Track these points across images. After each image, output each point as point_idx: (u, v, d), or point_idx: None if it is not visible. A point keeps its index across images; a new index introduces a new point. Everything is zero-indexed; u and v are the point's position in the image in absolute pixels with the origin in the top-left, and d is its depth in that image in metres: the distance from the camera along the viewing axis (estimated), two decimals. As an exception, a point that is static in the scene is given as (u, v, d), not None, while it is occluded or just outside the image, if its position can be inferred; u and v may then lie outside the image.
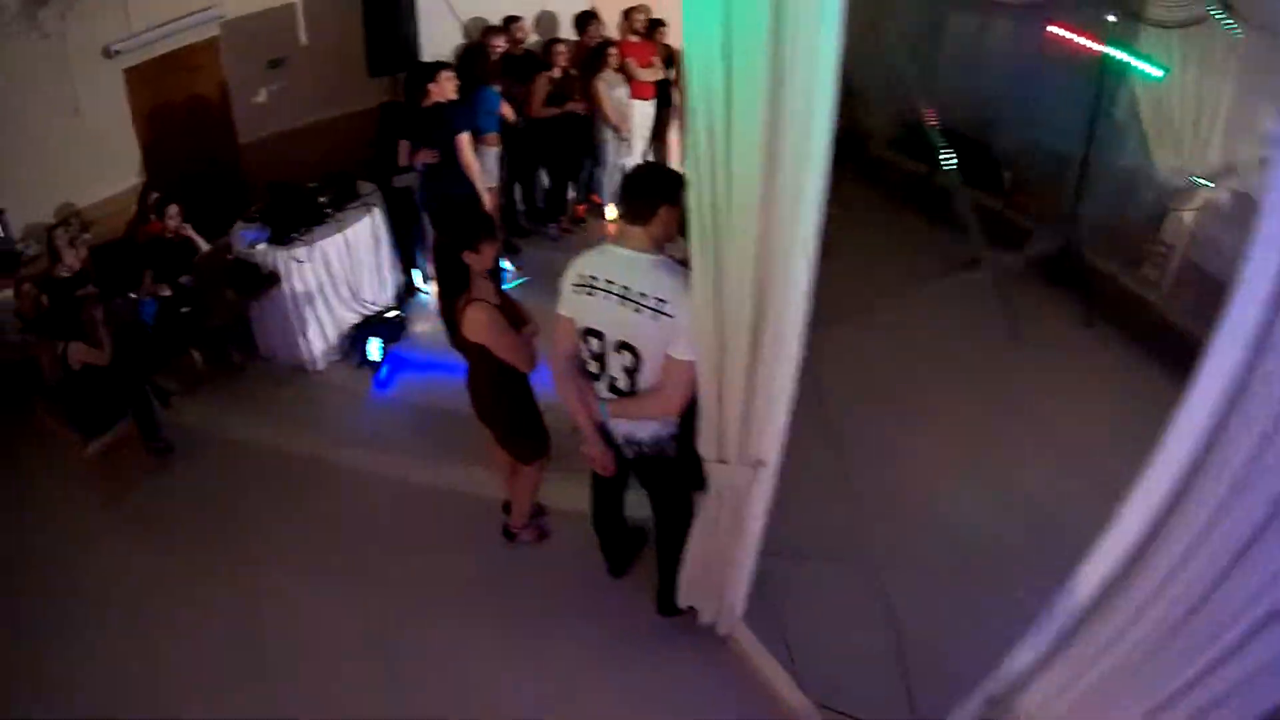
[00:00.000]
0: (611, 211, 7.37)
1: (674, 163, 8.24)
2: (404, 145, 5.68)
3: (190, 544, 4.56)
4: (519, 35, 6.70)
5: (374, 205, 5.96)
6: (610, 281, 2.77)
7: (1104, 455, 3.33)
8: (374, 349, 5.79)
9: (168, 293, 5.59)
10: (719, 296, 2.46)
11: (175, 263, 5.70)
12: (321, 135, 7.05)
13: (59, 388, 5.05)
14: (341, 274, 5.76)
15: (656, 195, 2.74)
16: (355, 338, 5.92)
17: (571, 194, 7.43)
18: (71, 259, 6.34)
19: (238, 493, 4.89)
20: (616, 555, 3.94)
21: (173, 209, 5.67)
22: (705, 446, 2.90)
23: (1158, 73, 5.22)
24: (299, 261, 5.54)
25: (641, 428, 3.03)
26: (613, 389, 2.96)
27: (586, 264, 2.87)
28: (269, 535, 4.57)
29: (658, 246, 2.80)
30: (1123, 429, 3.22)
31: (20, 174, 6.27)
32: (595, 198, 7.48)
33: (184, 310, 5.43)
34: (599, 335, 2.86)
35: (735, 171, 2.23)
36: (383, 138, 6.94)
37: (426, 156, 5.53)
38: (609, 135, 7.04)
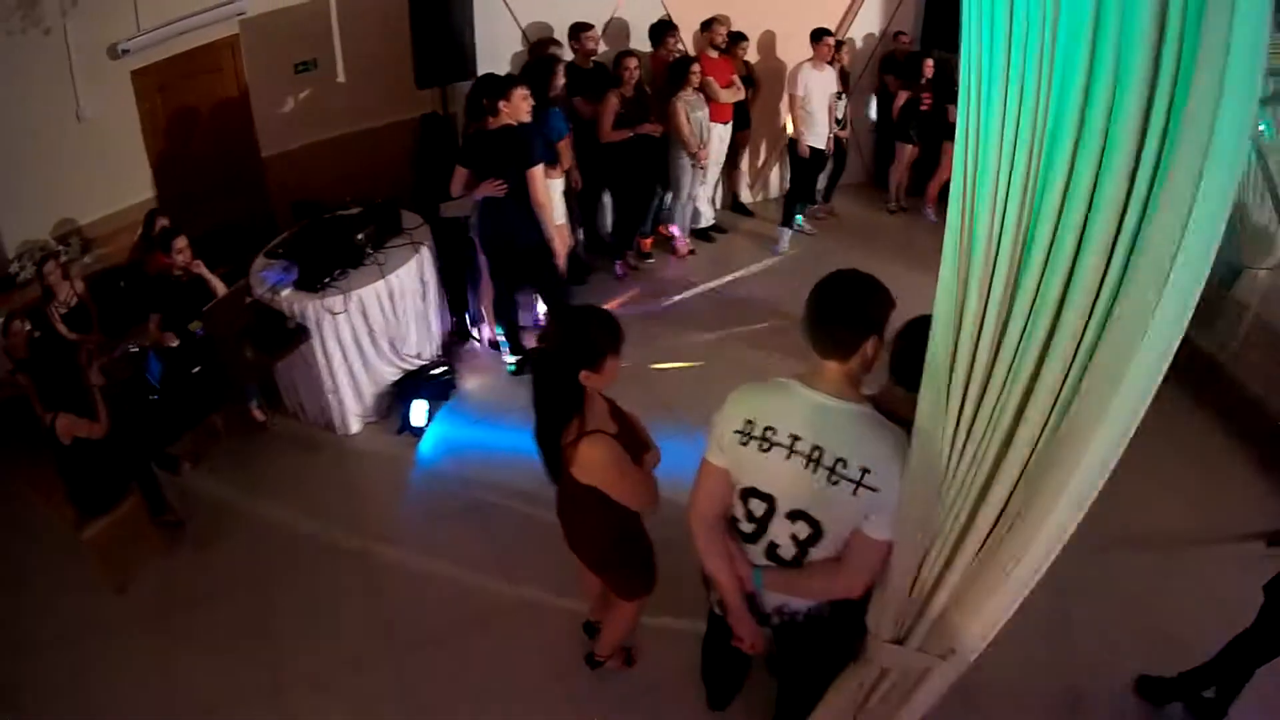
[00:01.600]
0: (682, 238, 6.53)
1: (743, 193, 7.39)
2: (461, 173, 4.68)
3: (205, 647, 3.77)
4: (589, 45, 5.77)
5: (422, 243, 5.04)
6: (795, 437, 2.08)
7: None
8: (418, 414, 4.87)
9: (175, 343, 4.71)
10: (959, 458, 1.81)
11: (185, 306, 4.80)
12: (355, 150, 6.13)
13: (54, 455, 4.21)
14: (382, 326, 4.84)
15: (866, 322, 2.06)
16: (396, 397, 5.00)
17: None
18: (66, 292, 5.44)
19: (259, 583, 4.09)
20: (722, 687, 3.32)
21: (180, 242, 4.72)
22: (877, 622, 2.23)
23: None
24: (333, 313, 4.64)
25: (800, 598, 2.40)
26: (772, 555, 2.30)
27: (757, 404, 2.18)
28: (298, 639, 3.76)
29: (855, 388, 2.12)
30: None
31: (15, 185, 5.38)
32: (664, 230, 6.59)
33: (195, 370, 4.54)
34: (767, 499, 2.20)
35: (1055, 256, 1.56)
36: (426, 157, 6.05)
37: (491, 190, 4.55)
38: (685, 161, 6.16)
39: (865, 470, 2.01)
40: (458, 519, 4.35)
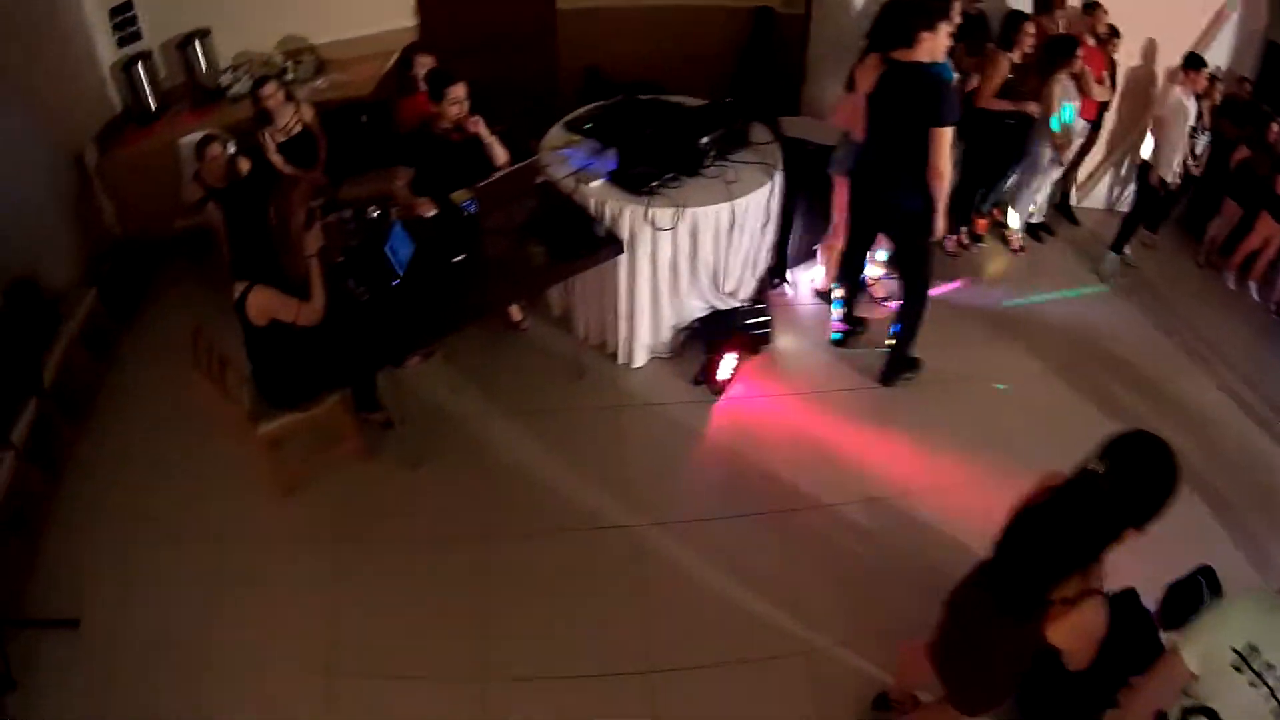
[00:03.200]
0: (1016, 232, 5.20)
1: (1073, 194, 6.16)
2: (852, 103, 3.30)
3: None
4: None
5: (774, 169, 3.56)
6: None
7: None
8: (726, 367, 3.52)
9: (431, 213, 3.37)
10: None
11: (450, 171, 3.46)
12: (668, 27, 4.71)
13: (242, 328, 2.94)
14: (710, 254, 3.44)
15: None
16: (698, 337, 3.67)
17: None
18: (289, 118, 4.20)
19: (461, 523, 3.17)
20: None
21: (457, 90, 3.37)
22: None
23: None
24: (657, 228, 3.22)
25: None
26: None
27: (1269, 628, 1.74)
28: (506, 629, 2.84)
29: None
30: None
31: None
32: (998, 214, 5.20)
33: (456, 259, 3.19)
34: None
35: None
36: (753, 58, 4.60)
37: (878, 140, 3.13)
38: (1046, 150, 4.69)
39: None
40: (752, 517, 3.15)
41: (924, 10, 3.02)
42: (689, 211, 3.24)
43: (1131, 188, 6.08)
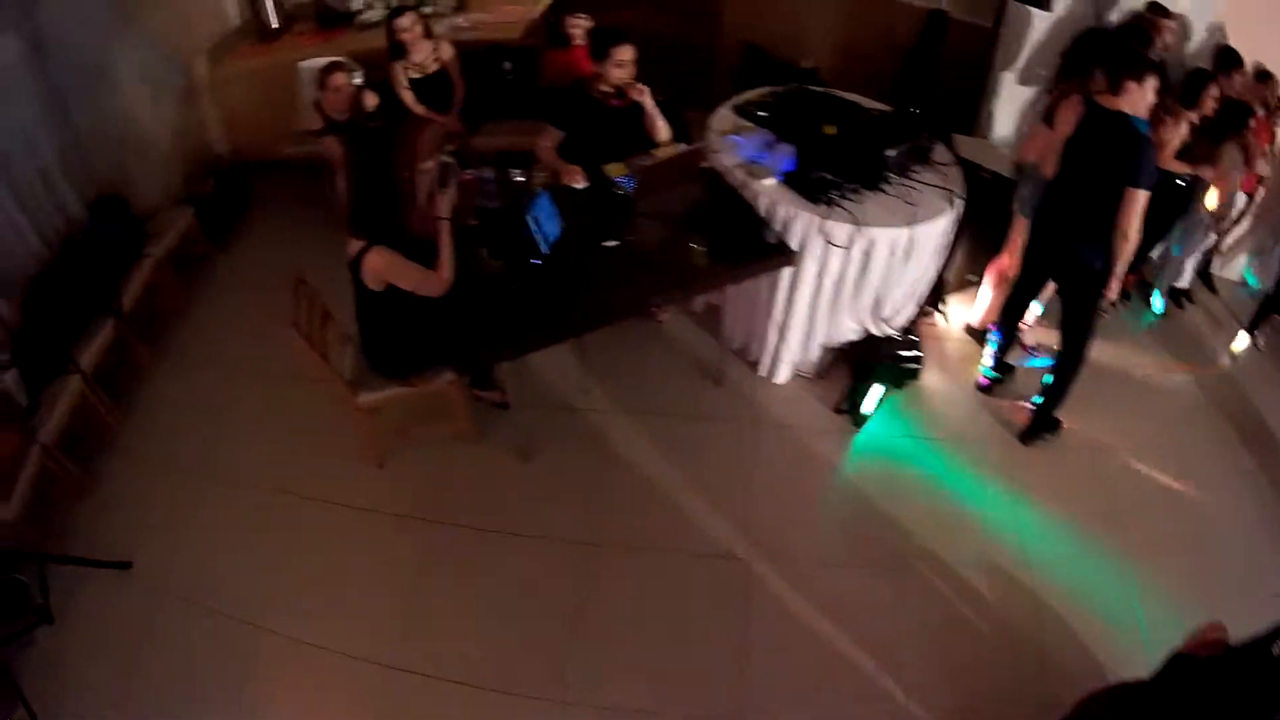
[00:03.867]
0: (1158, 303, 4.72)
1: (1214, 262, 5.65)
2: (1045, 137, 2.97)
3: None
4: (1167, 37, 3.79)
5: (955, 196, 3.17)
6: None
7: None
8: (872, 399, 3.19)
9: (581, 184, 3.03)
10: None
11: (607, 141, 3.12)
12: (835, 11, 4.30)
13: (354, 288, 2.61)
14: (880, 276, 3.07)
15: None
16: (845, 361, 3.34)
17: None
18: (425, 54, 3.84)
19: (569, 520, 2.90)
20: None
21: (624, 52, 2.98)
22: None
23: None
24: (831, 243, 2.87)
25: None
26: None
27: None
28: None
29: None
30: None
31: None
32: (1145, 273, 4.79)
33: (608, 244, 2.84)
34: None
35: None
36: (919, 63, 4.20)
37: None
38: (1206, 219, 4.26)
39: None
40: (870, 567, 2.82)
41: (1135, 61, 2.69)
42: (868, 231, 2.88)
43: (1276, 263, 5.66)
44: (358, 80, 3.85)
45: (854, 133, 3.06)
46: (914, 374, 3.40)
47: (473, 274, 2.62)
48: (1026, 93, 3.86)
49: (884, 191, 3.01)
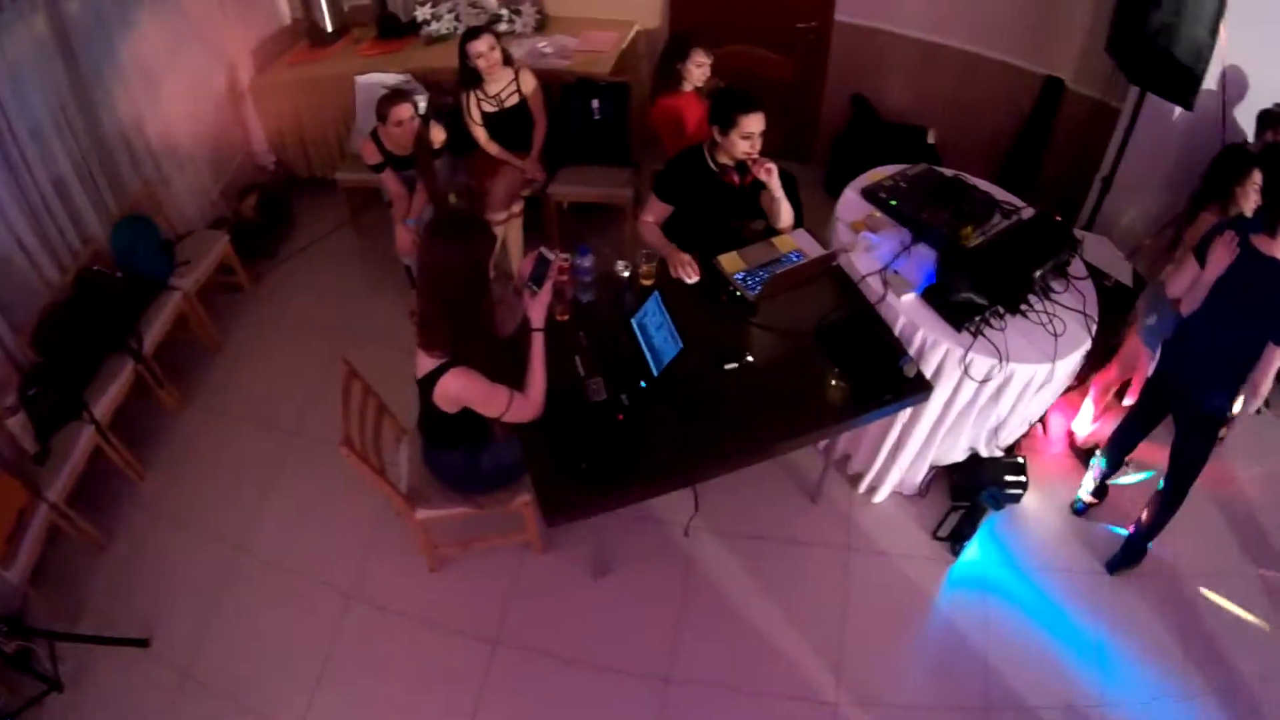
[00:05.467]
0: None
1: None
2: (1189, 274, 2.53)
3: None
4: None
5: (1093, 321, 2.79)
6: None
7: None
8: (971, 527, 2.86)
9: (693, 278, 2.59)
10: None
11: (720, 224, 2.71)
12: (941, 72, 3.83)
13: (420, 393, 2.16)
14: (1005, 408, 2.67)
15: None
16: (947, 480, 2.98)
17: None
18: (503, 85, 3.29)
19: (658, 664, 2.56)
20: None
21: (755, 121, 2.48)
22: None
23: None
24: (969, 376, 2.50)
25: None
26: None
27: None
28: None
29: None
30: None
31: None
32: None
33: (730, 366, 2.34)
34: None
35: None
36: (1032, 141, 3.82)
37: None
38: None
39: None
40: (957, 711, 2.50)
41: None
42: (1014, 367, 2.51)
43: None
44: (420, 103, 3.38)
45: (998, 245, 2.67)
46: (1016, 499, 3.08)
47: (564, 392, 2.20)
48: (1153, 192, 3.48)
49: (1024, 315, 2.64)
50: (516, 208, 3.29)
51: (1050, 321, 2.62)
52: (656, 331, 2.29)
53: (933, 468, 2.98)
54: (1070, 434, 3.38)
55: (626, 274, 2.45)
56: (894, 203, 2.80)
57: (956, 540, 2.91)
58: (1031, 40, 3.71)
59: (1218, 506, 3.23)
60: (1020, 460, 3.03)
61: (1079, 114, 3.77)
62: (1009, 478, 2.98)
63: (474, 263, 1.94)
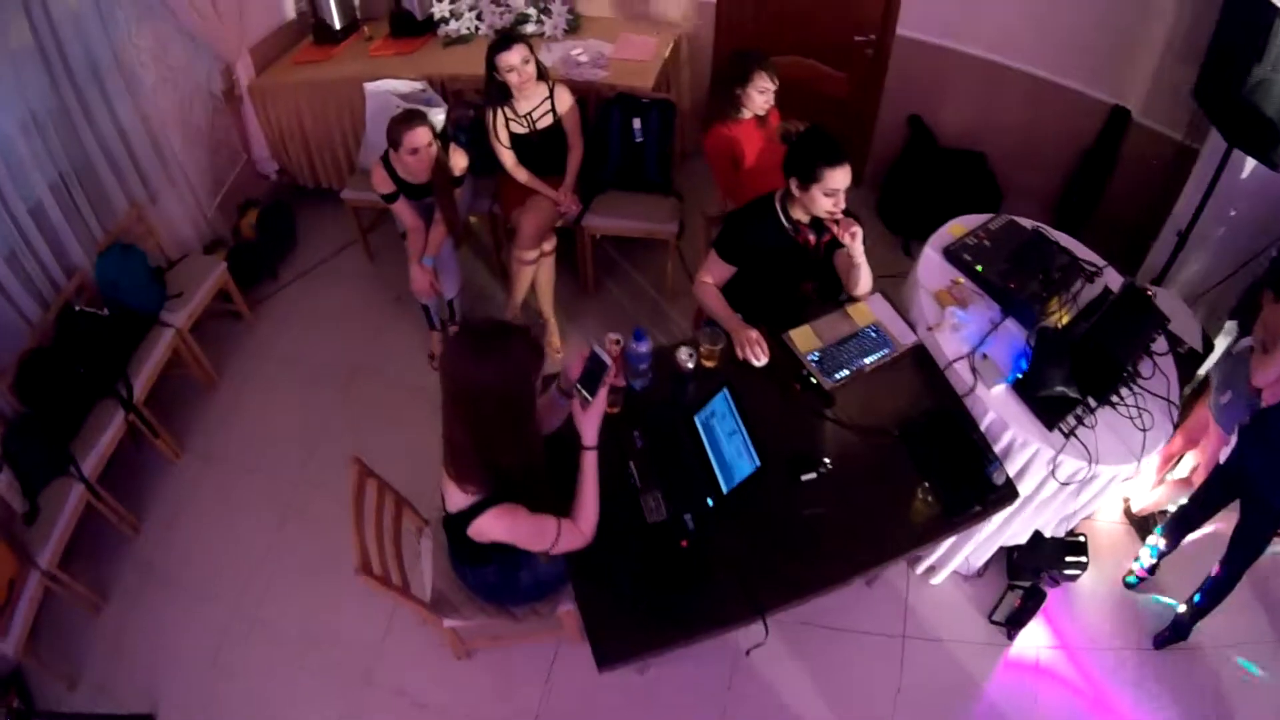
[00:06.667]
0: None
1: None
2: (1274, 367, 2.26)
3: None
4: None
5: (1174, 406, 2.55)
6: None
7: None
8: (1029, 611, 2.67)
9: (764, 360, 2.29)
10: None
11: (792, 292, 2.40)
12: (1000, 94, 3.45)
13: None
14: (1082, 503, 2.45)
15: None
16: (1010, 565, 2.77)
17: None
18: (535, 101, 2.85)
19: None
20: None
21: (840, 176, 2.11)
22: None
23: None
24: (1055, 478, 2.26)
25: None
26: None
27: None
28: None
29: None
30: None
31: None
32: None
33: (808, 476, 2.03)
34: None
35: None
36: (1092, 175, 3.53)
37: None
38: None
39: None
40: None
41: None
42: (1105, 469, 2.27)
43: None
44: (438, 117, 2.97)
45: (1091, 330, 2.39)
46: (1074, 579, 2.89)
47: (617, 510, 1.90)
48: (1220, 242, 3.20)
49: (1113, 407, 2.39)
50: (548, 245, 2.91)
51: (1139, 415, 2.37)
52: (727, 439, 1.99)
53: (996, 550, 2.78)
54: (1125, 500, 3.19)
55: (691, 364, 2.13)
56: (979, 268, 2.50)
57: (1013, 625, 2.73)
58: (1101, 67, 3.36)
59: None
60: (1082, 539, 2.82)
61: (1144, 147, 3.45)
62: (1069, 558, 2.78)
63: (515, 386, 1.55)
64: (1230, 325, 2.92)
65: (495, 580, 2.03)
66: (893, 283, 2.70)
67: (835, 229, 2.21)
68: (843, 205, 2.20)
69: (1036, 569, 2.73)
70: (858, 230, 2.21)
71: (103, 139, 2.81)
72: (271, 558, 2.66)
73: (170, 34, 2.94)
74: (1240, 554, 2.61)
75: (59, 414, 2.57)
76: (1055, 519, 2.64)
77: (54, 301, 2.67)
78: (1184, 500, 2.89)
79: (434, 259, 2.77)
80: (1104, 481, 2.35)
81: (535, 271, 2.92)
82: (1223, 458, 2.62)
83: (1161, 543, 2.89)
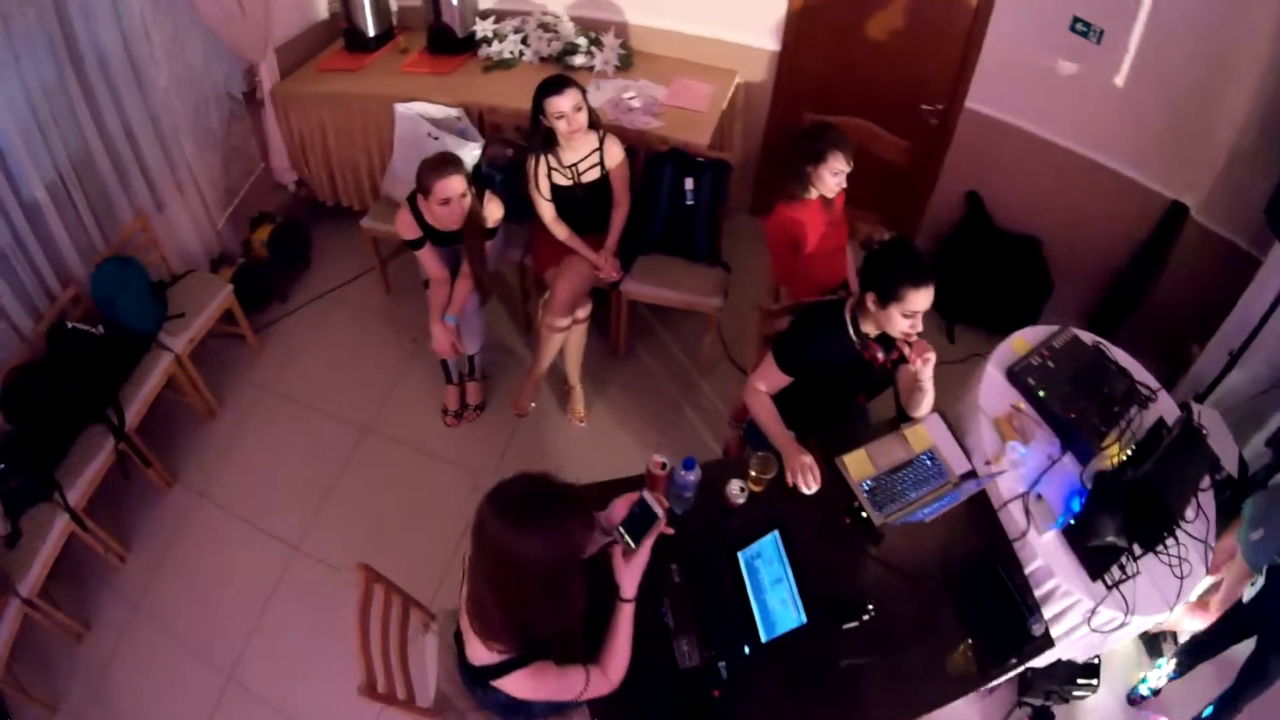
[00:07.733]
0: None
1: None
2: None
3: None
4: None
5: (1208, 547, 2.49)
6: None
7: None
8: None
9: (815, 487, 2.08)
10: None
11: (846, 412, 2.24)
12: (1064, 182, 3.31)
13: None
14: (1112, 641, 2.42)
15: None
16: (1021, 689, 2.71)
17: None
18: (584, 151, 2.60)
19: None
20: None
21: (921, 299, 1.95)
22: None
23: None
24: (1093, 627, 2.19)
25: None
26: None
27: None
28: None
29: None
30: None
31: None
32: None
33: (850, 625, 1.91)
34: None
35: None
36: (1141, 274, 3.41)
37: None
38: None
39: None
40: None
41: None
42: (1132, 617, 2.19)
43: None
44: (474, 152, 2.73)
45: (1147, 476, 2.28)
46: (1082, 698, 2.85)
47: (646, 651, 1.77)
48: (1261, 356, 3.11)
49: (1158, 555, 2.30)
50: (582, 313, 2.69)
51: (1179, 564, 2.29)
52: (772, 586, 1.86)
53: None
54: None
55: (743, 500, 1.98)
56: (1043, 394, 2.37)
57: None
58: (1163, 161, 3.22)
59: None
60: (1095, 662, 2.77)
61: (1199, 246, 3.34)
62: (1080, 679, 2.73)
63: (562, 562, 1.38)
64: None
65: (506, 700, 1.90)
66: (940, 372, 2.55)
67: (907, 350, 2.05)
68: (919, 328, 2.05)
69: (1048, 689, 2.69)
70: (931, 356, 2.05)
71: (107, 136, 2.55)
72: (259, 615, 2.49)
73: (188, 28, 2.65)
74: (1247, 687, 2.57)
75: (45, 434, 2.37)
76: (1080, 655, 2.57)
77: (47, 313, 2.43)
78: (1199, 627, 2.84)
79: (457, 318, 2.56)
80: (1135, 630, 2.28)
81: (566, 339, 2.73)
82: (1246, 596, 2.56)
83: (1172, 665, 2.84)
